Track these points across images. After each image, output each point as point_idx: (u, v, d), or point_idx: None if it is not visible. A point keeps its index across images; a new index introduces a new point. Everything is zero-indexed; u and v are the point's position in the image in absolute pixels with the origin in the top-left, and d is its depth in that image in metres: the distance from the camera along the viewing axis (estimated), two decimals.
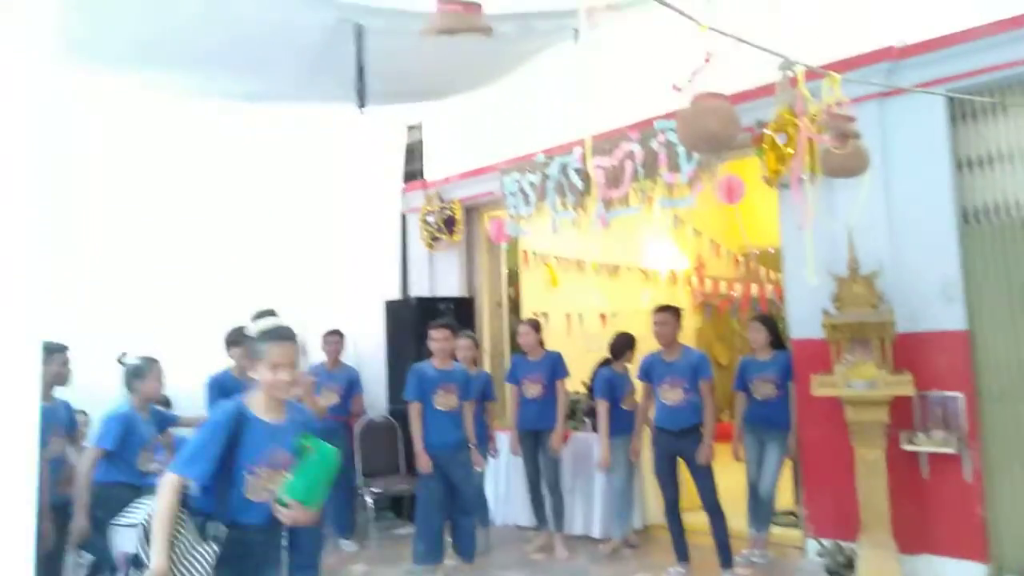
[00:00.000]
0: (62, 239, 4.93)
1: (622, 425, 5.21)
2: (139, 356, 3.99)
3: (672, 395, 4.61)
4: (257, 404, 2.44)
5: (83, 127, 5.17)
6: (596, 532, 5.52)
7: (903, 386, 4.04)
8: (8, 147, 1.90)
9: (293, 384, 2.43)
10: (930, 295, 4.35)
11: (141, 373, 3.88)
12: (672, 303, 5.15)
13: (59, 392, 4.03)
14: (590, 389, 5.72)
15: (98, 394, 4.63)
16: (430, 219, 7.02)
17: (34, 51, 1.96)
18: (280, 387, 2.39)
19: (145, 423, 3.90)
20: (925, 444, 4.21)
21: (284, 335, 2.44)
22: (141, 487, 3.70)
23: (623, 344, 5.40)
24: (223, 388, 4.51)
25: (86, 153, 5.20)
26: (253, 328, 2.47)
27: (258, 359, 2.39)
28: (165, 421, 4.19)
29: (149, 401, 3.96)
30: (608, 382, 5.26)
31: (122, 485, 3.71)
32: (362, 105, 4.15)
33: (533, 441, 5.35)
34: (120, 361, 3.99)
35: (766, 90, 4.24)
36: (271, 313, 2.65)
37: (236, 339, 4.58)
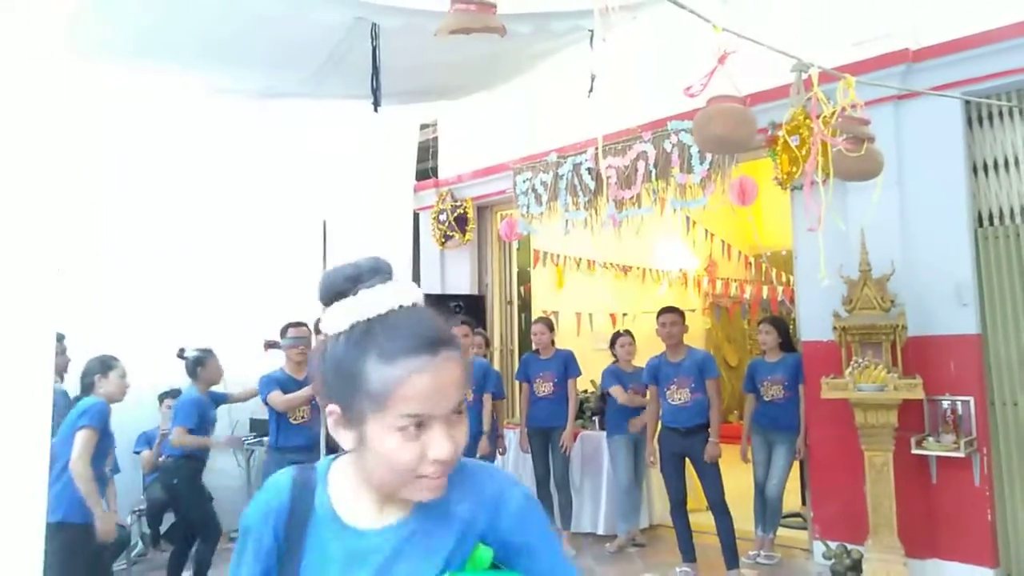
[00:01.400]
0: (65, 233, 4.97)
1: (623, 422, 5.24)
2: (196, 348, 4.49)
3: (679, 395, 4.64)
4: (345, 486, 1.04)
5: (95, 123, 5.21)
6: (602, 530, 5.54)
7: (913, 390, 4.03)
8: (19, 146, 1.94)
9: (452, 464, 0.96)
10: (942, 298, 4.34)
11: (203, 361, 4.41)
12: (680, 304, 5.18)
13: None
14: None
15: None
16: (442, 217, 7.05)
17: (48, 49, 2.00)
18: (420, 485, 0.96)
19: (207, 404, 4.41)
20: (934, 448, 4.21)
21: (435, 338, 0.95)
22: (206, 460, 4.47)
23: (614, 336, 5.59)
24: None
25: (92, 148, 5.24)
26: (344, 314, 0.97)
27: (369, 409, 0.94)
28: (217, 400, 4.58)
29: (210, 385, 4.47)
30: (613, 375, 5.37)
31: (192, 459, 4.35)
32: (377, 105, 4.18)
33: (543, 439, 5.38)
34: (181, 356, 4.50)
35: (780, 91, 4.24)
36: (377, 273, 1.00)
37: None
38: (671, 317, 4.74)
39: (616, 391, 5.30)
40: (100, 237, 5.29)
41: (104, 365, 3.65)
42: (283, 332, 4.61)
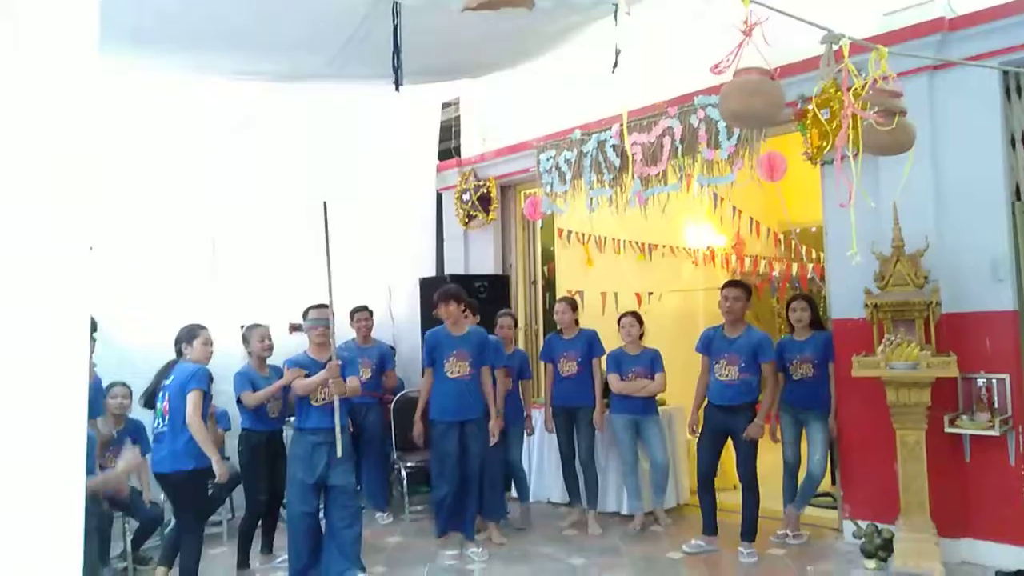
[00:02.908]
0: (85, 221, 5.02)
1: (624, 403, 5.24)
2: (249, 324, 4.71)
3: (728, 372, 4.61)
4: None
5: (111, 109, 5.24)
6: (627, 509, 5.54)
7: (946, 367, 3.95)
8: (32, 133, 1.95)
9: None
10: (978, 274, 4.24)
11: (245, 339, 4.68)
12: (709, 282, 5.13)
13: None
14: None
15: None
16: (465, 197, 7.03)
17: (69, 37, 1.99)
18: None
19: (264, 379, 4.62)
20: (968, 427, 4.13)
21: None
22: (272, 431, 4.68)
23: (619, 318, 5.52)
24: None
25: (114, 135, 5.28)
26: None
27: None
28: (277, 375, 4.67)
29: (260, 359, 4.66)
30: (614, 360, 5.36)
31: (253, 432, 4.62)
32: (398, 85, 4.15)
33: (568, 418, 5.38)
34: (241, 329, 4.80)
35: (810, 64, 4.14)
36: None
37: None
38: (734, 292, 4.69)
39: (611, 379, 5.30)
40: (120, 219, 5.33)
41: (190, 333, 4.12)
42: (305, 314, 4.63)
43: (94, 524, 3.71)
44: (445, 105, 7.48)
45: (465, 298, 4.96)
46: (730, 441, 4.69)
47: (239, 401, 4.59)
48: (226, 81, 5.08)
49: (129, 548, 4.69)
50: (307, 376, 4.28)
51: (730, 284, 4.80)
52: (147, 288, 5.41)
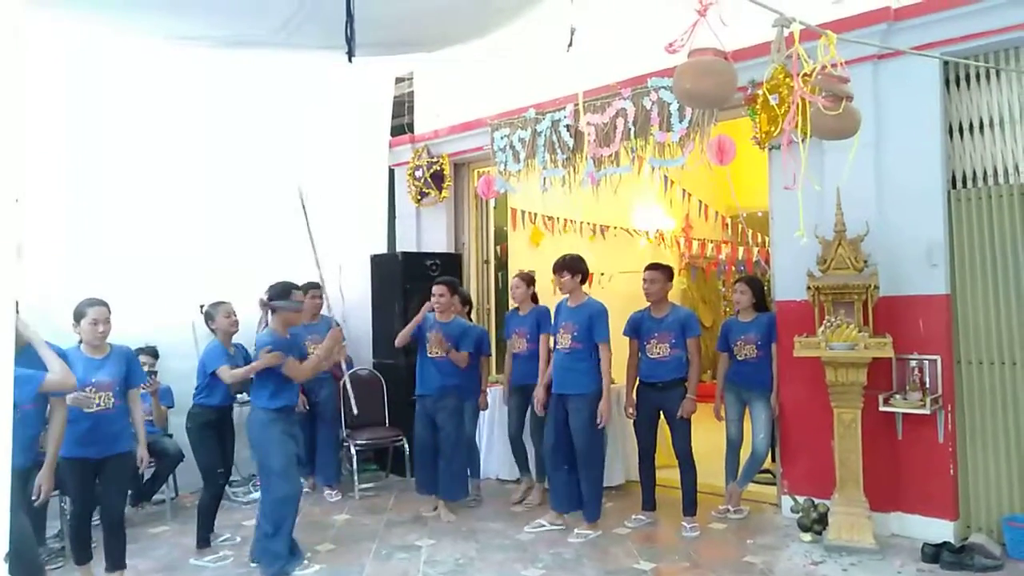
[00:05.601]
0: (29, 189, 4.82)
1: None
2: (211, 302, 4.59)
3: (659, 350, 4.76)
4: None
5: (54, 74, 5.01)
6: None
7: (882, 348, 4.10)
8: None
9: None
10: (915, 259, 4.40)
11: (210, 316, 4.56)
12: (662, 261, 5.21)
13: None
14: None
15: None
16: (418, 174, 6.96)
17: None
18: None
19: (231, 356, 4.48)
20: (901, 405, 4.30)
21: None
22: (223, 408, 4.54)
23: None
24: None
25: (56, 101, 5.06)
26: None
27: None
28: (247, 358, 4.59)
29: (228, 335, 4.52)
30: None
31: (200, 408, 4.49)
32: (351, 55, 4.05)
33: (522, 397, 5.41)
34: (201, 309, 4.68)
35: (761, 49, 4.19)
36: None
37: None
38: (652, 274, 4.88)
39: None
40: (53, 188, 5.11)
41: (76, 313, 3.90)
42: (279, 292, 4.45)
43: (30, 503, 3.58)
44: (398, 80, 7.37)
45: (583, 268, 4.84)
46: (664, 417, 4.83)
47: (213, 375, 4.35)
48: (163, 46, 4.86)
49: (66, 528, 4.56)
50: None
51: (651, 267, 4.96)
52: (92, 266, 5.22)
